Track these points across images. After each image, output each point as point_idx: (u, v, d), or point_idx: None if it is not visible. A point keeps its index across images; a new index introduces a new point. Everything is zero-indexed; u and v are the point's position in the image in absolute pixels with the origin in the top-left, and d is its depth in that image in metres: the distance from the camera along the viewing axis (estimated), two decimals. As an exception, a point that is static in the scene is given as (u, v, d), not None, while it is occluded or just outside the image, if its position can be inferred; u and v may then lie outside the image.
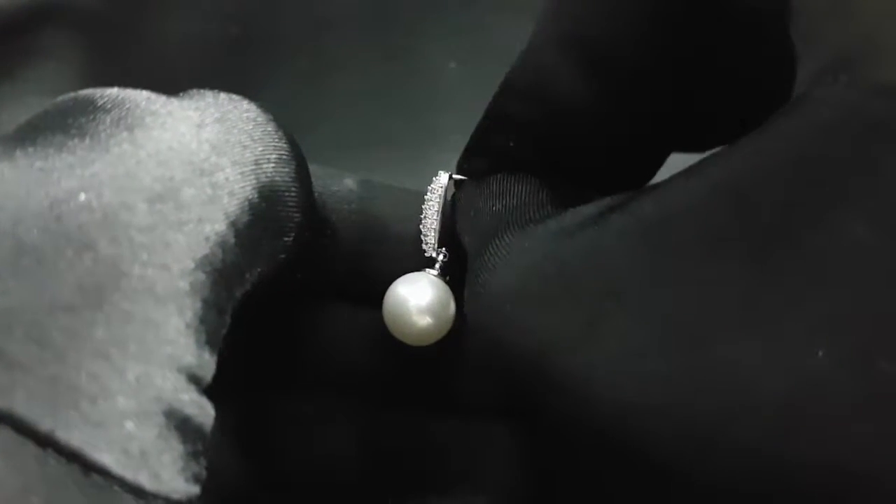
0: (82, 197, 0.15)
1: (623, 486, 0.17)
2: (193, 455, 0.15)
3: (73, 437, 0.14)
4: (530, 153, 0.19)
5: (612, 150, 0.19)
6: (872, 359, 0.12)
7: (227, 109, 0.17)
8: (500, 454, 0.22)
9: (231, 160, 0.17)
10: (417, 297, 0.20)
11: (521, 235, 0.18)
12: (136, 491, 0.14)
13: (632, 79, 0.18)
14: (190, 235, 0.16)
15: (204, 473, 0.15)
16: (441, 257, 0.21)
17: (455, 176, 0.21)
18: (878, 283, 0.12)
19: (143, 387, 0.14)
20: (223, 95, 0.18)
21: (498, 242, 0.18)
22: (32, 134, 0.16)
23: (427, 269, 0.21)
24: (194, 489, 0.15)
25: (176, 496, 0.15)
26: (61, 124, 0.16)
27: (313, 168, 0.19)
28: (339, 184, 0.21)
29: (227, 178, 0.16)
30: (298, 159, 0.18)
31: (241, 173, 0.17)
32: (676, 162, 0.18)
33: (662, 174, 0.18)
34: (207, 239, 0.16)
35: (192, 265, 0.15)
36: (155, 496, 0.14)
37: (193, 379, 0.15)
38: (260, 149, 0.17)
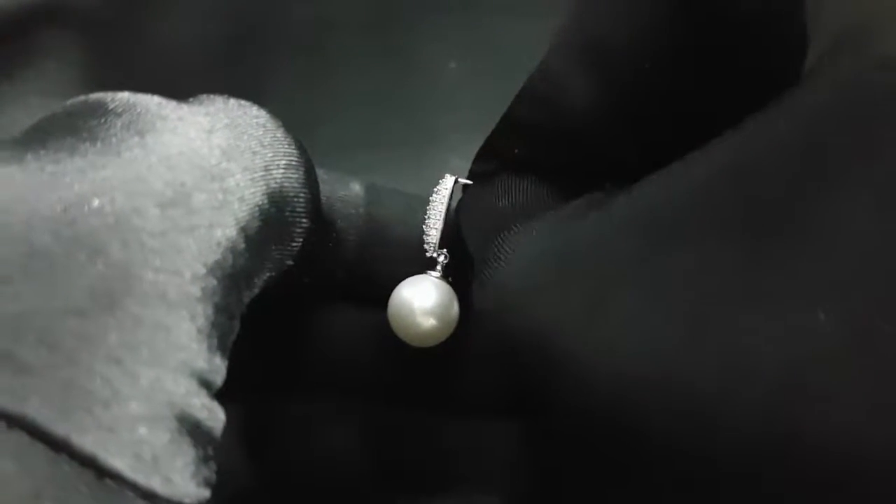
0: (95, 202, 0.15)
1: (626, 475, 0.17)
2: (204, 459, 0.15)
3: (87, 441, 0.14)
4: (536, 158, 0.19)
5: (618, 157, 0.19)
6: (874, 321, 0.12)
7: (236, 115, 0.17)
8: (505, 453, 0.22)
9: (241, 166, 0.17)
10: (421, 299, 0.20)
11: (527, 226, 0.18)
12: (149, 495, 0.14)
13: (645, 89, 0.18)
14: (201, 240, 0.16)
15: (214, 477, 0.15)
16: (442, 258, 0.21)
17: (461, 180, 0.21)
18: (880, 247, 0.12)
19: (156, 391, 0.14)
20: (233, 101, 0.18)
21: (504, 235, 0.18)
22: (42, 137, 0.16)
23: (429, 272, 0.21)
24: (205, 493, 0.15)
25: (188, 500, 0.15)
26: (71, 127, 0.16)
27: (320, 172, 0.19)
28: (345, 188, 0.21)
29: (237, 184, 0.16)
30: (307, 165, 0.18)
31: (252, 179, 0.17)
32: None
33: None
34: (218, 244, 0.16)
35: (203, 270, 0.15)
36: (167, 501, 0.14)
37: (205, 383, 0.15)
38: (270, 154, 0.17)
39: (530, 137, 0.19)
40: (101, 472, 0.14)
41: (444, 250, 0.21)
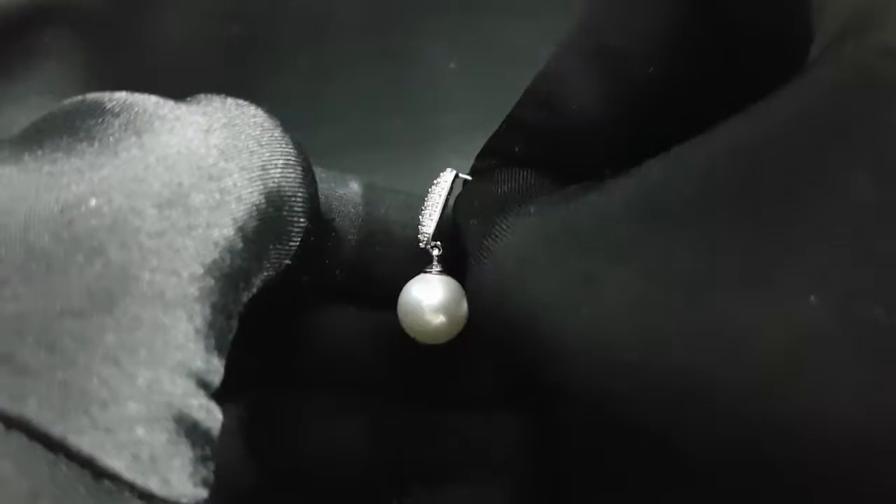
0: (93, 202, 0.15)
1: (623, 459, 0.17)
2: (202, 459, 0.15)
3: (84, 442, 0.14)
4: (538, 157, 0.19)
5: (621, 158, 0.19)
6: (866, 305, 0.12)
7: (234, 114, 0.17)
8: (511, 446, 0.22)
9: (239, 165, 0.17)
10: (430, 297, 0.20)
11: (525, 208, 0.18)
12: (146, 496, 0.14)
13: (653, 94, 0.18)
14: (199, 241, 0.16)
15: (212, 477, 0.15)
16: (436, 252, 0.21)
17: (461, 175, 0.21)
18: (877, 234, 0.13)
19: (154, 392, 0.14)
20: (230, 100, 0.18)
21: (502, 217, 0.18)
22: (39, 137, 0.16)
23: (431, 267, 0.21)
24: (202, 493, 0.15)
25: (185, 501, 0.15)
26: (69, 127, 0.16)
27: (318, 171, 0.19)
28: (343, 187, 0.21)
29: (234, 184, 0.16)
30: (305, 164, 0.18)
31: (249, 178, 0.17)
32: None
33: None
34: (216, 244, 0.16)
35: (200, 270, 0.15)
36: (164, 501, 0.14)
37: (202, 384, 0.15)
38: (267, 154, 0.17)
39: (533, 138, 0.19)
40: (99, 472, 0.14)
41: (438, 243, 0.21)
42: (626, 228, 0.16)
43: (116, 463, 0.14)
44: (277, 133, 0.18)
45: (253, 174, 0.17)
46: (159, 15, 0.33)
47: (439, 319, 0.20)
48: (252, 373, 0.21)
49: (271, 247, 0.17)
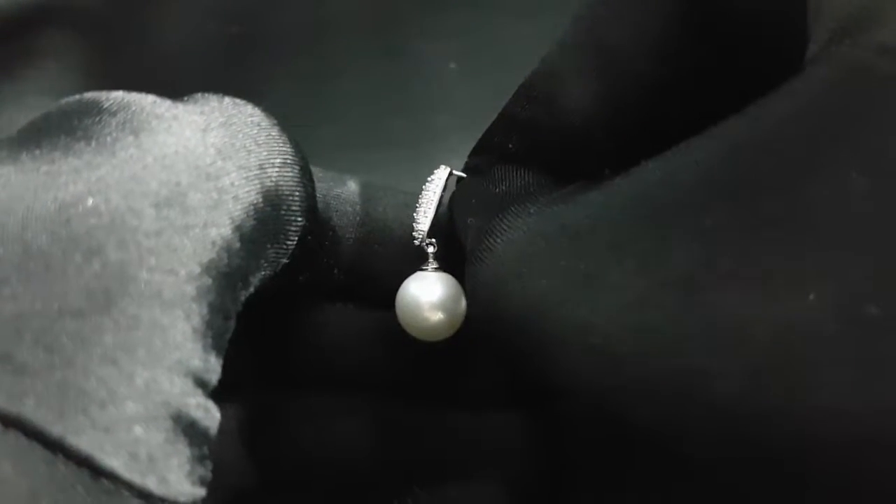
0: (90, 201, 0.15)
1: (623, 454, 0.17)
2: (200, 458, 0.15)
3: (83, 441, 0.14)
4: (532, 154, 0.19)
5: (614, 157, 0.19)
6: (862, 303, 0.12)
7: (231, 114, 0.17)
8: (510, 444, 0.22)
9: (236, 164, 0.17)
10: (428, 294, 0.20)
11: (523, 207, 0.18)
12: (144, 495, 0.14)
13: (644, 91, 0.18)
14: (196, 240, 0.16)
15: (209, 476, 0.15)
16: (431, 249, 0.21)
17: (455, 172, 0.21)
18: (872, 230, 0.13)
19: (151, 391, 0.15)
20: (227, 100, 0.18)
21: (501, 215, 0.18)
22: (37, 136, 0.16)
23: (428, 264, 0.21)
24: (200, 492, 0.15)
25: (183, 499, 0.15)
26: (66, 127, 0.16)
27: (316, 170, 0.19)
28: (341, 186, 0.21)
29: (232, 183, 0.16)
30: (302, 163, 0.18)
31: (246, 178, 0.17)
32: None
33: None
34: (213, 243, 0.16)
35: (198, 270, 0.15)
36: (162, 500, 0.14)
37: (200, 383, 0.15)
38: (265, 153, 0.17)
39: (527, 133, 0.19)
40: (97, 471, 0.14)
41: (433, 240, 0.21)
42: (625, 227, 0.16)
43: (114, 462, 0.14)
44: (275, 132, 0.18)
45: (250, 173, 0.17)
46: (159, 15, 0.33)
47: (437, 316, 0.20)
48: (250, 372, 0.21)
49: (269, 246, 0.17)
